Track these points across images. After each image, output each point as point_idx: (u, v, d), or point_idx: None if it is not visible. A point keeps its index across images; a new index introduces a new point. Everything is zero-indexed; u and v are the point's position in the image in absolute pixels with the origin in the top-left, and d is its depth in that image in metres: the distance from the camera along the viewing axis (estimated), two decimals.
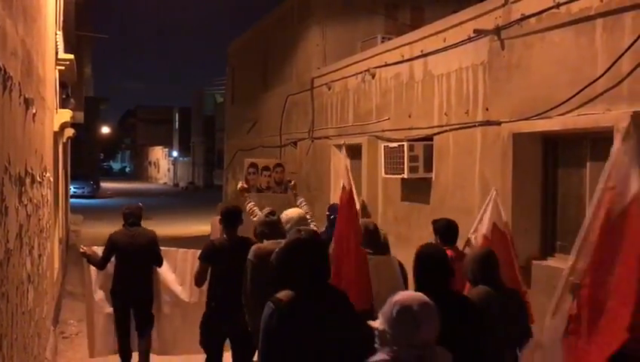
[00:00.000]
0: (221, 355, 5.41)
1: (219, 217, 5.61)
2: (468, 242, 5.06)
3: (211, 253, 5.30)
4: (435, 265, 3.26)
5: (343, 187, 4.83)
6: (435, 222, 5.31)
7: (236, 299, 4.80)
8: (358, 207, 5.30)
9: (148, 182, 61.16)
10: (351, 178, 4.91)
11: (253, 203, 6.16)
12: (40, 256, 4.94)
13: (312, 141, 11.53)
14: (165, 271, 6.33)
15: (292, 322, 2.88)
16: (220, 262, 5.22)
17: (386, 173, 8.04)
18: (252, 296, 4.58)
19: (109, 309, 6.18)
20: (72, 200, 19.34)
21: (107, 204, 29.87)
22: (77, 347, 7.09)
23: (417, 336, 2.31)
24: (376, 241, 4.80)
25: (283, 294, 2.95)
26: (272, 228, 4.91)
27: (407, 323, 2.31)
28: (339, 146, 10.28)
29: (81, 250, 6.27)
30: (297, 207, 6.00)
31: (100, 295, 6.29)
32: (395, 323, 2.32)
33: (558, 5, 5.43)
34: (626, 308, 2.97)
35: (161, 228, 12.26)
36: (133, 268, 6.02)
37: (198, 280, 5.42)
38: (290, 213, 5.35)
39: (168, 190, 48.30)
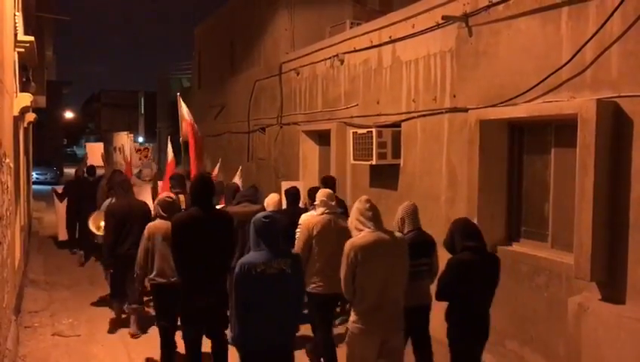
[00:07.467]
0: None
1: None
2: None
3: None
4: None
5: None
6: None
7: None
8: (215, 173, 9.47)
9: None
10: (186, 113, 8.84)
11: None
12: (0, 243, 4.83)
13: (281, 127, 11.46)
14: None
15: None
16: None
17: (355, 160, 8.04)
18: None
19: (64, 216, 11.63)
20: (34, 186, 18.87)
21: None
22: (39, 337, 6.90)
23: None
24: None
25: None
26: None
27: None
28: (306, 132, 10.26)
29: (52, 189, 12.32)
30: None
31: (61, 207, 11.72)
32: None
33: None
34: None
35: None
36: (79, 195, 11.12)
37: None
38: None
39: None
